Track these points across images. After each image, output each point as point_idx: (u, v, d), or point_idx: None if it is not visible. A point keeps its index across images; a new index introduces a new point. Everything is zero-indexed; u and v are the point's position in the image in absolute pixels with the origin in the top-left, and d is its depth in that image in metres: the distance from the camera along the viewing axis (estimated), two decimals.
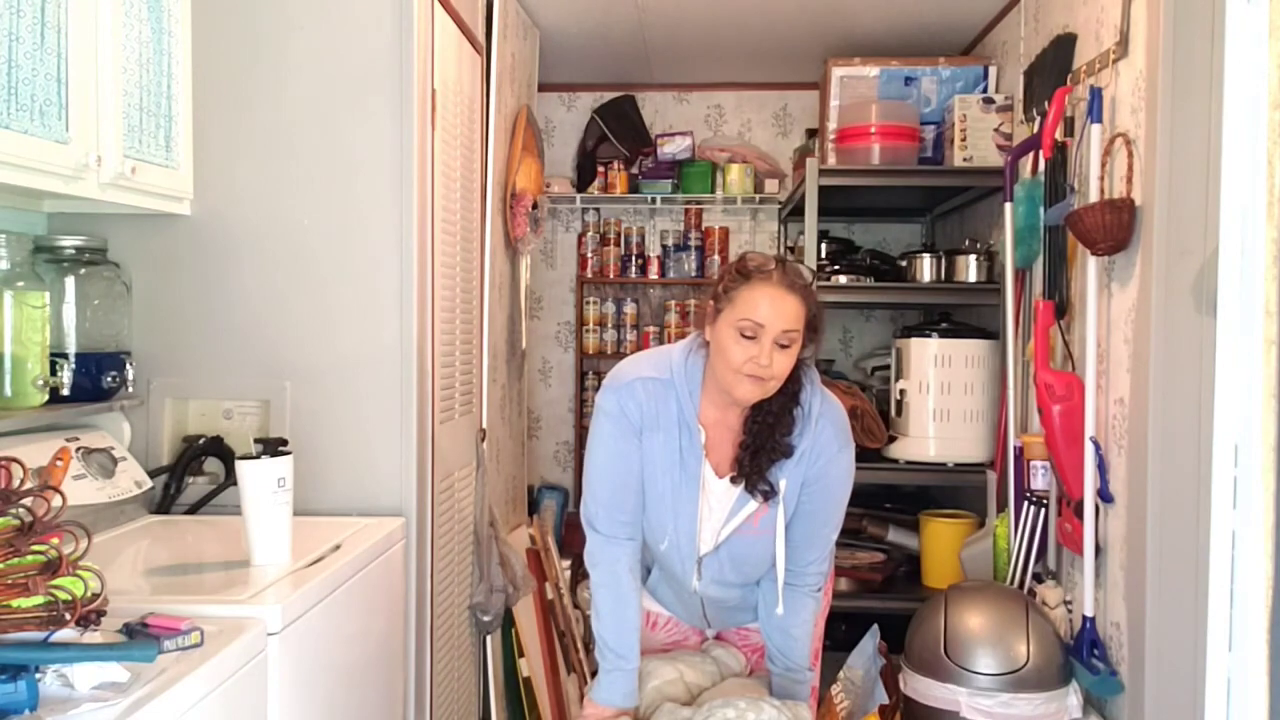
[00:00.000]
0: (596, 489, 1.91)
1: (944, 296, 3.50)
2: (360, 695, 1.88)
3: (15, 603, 1.17)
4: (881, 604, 3.31)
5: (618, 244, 4.55)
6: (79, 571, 1.23)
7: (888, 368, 3.69)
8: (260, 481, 1.68)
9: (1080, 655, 2.42)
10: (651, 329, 4.57)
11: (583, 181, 4.51)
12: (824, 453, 1.87)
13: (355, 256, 2.17)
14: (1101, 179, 2.41)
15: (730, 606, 2.04)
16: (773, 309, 1.73)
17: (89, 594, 1.23)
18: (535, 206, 3.30)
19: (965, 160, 3.33)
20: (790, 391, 1.85)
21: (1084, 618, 2.44)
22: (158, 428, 2.19)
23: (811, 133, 4.15)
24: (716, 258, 4.50)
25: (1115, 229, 2.25)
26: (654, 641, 2.11)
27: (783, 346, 1.75)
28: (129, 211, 2.00)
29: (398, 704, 2.13)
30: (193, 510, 2.15)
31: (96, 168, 1.73)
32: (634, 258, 4.55)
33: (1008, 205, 2.92)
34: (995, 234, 3.42)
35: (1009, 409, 2.99)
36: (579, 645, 3.29)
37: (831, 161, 3.49)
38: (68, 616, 1.18)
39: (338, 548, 1.83)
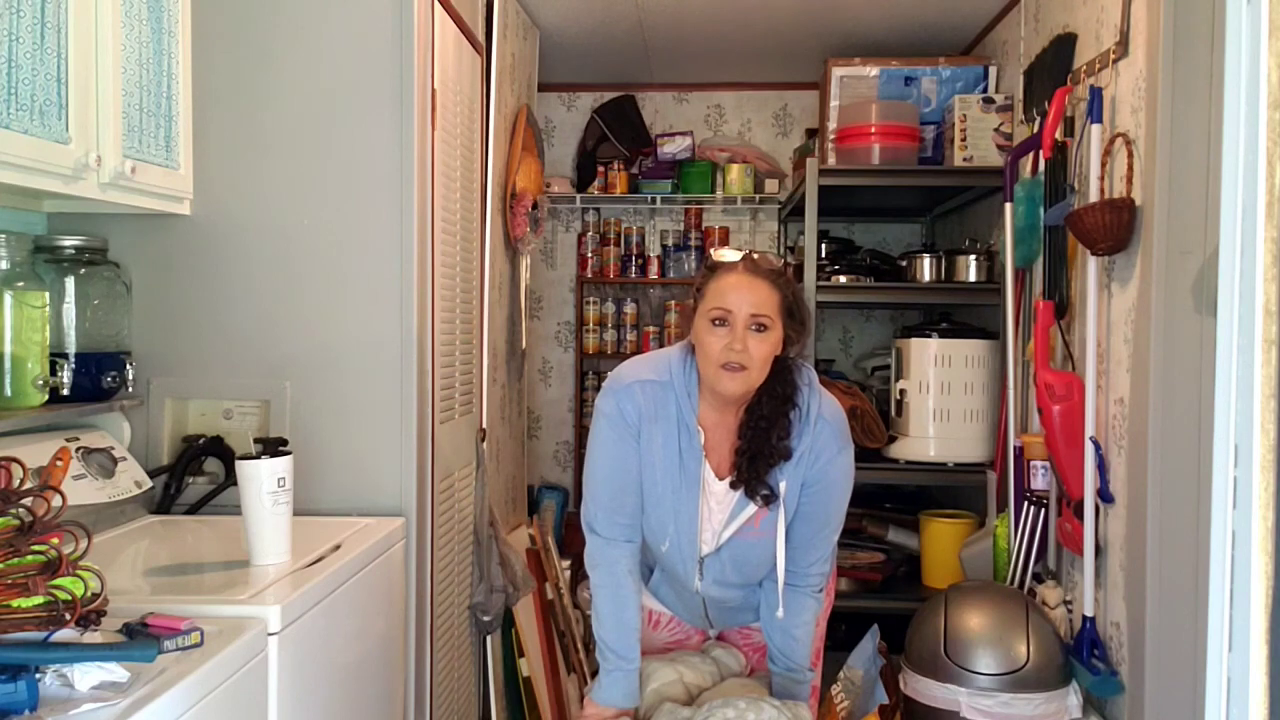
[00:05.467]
0: (596, 491, 1.92)
1: (944, 296, 3.50)
2: (360, 695, 1.88)
3: (15, 603, 1.17)
4: (881, 604, 3.31)
5: (618, 244, 4.56)
6: (79, 571, 1.23)
7: (888, 368, 3.69)
8: (260, 481, 1.68)
9: (1080, 655, 2.42)
10: (651, 329, 4.57)
11: (583, 181, 4.51)
12: (823, 454, 1.87)
13: (355, 256, 2.17)
14: (1101, 179, 2.41)
15: (732, 607, 2.04)
16: (738, 294, 1.77)
17: (89, 594, 1.23)
18: (535, 206, 3.30)
19: (965, 160, 3.33)
20: (783, 394, 1.85)
21: (1084, 618, 2.44)
22: (158, 428, 2.19)
23: (811, 133, 4.15)
24: None
25: (1115, 229, 2.25)
26: (656, 641, 2.11)
27: (757, 331, 1.77)
28: (129, 211, 2.00)
29: (398, 704, 2.13)
30: (193, 510, 2.15)
31: (96, 168, 1.73)
32: (634, 258, 4.55)
33: (1008, 205, 2.92)
34: (995, 234, 3.42)
35: (1009, 409, 2.99)
36: (579, 645, 3.29)
37: (831, 161, 3.49)
38: (68, 616, 1.18)
39: (338, 548, 1.83)
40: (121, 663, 1.19)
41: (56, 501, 1.26)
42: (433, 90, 2.31)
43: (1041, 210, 2.73)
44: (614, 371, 1.95)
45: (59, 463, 1.44)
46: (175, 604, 1.46)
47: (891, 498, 4.00)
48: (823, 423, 1.87)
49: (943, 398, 3.29)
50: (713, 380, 1.80)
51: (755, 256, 1.83)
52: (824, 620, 2.09)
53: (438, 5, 2.37)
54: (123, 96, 1.82)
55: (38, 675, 1.14)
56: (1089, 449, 2.39)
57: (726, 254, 1.84)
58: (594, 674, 1.96)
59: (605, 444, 1.89)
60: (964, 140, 3.33)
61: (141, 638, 1.26)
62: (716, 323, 1.78)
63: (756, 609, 2.04)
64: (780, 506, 1.87)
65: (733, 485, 1.88)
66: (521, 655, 2.95)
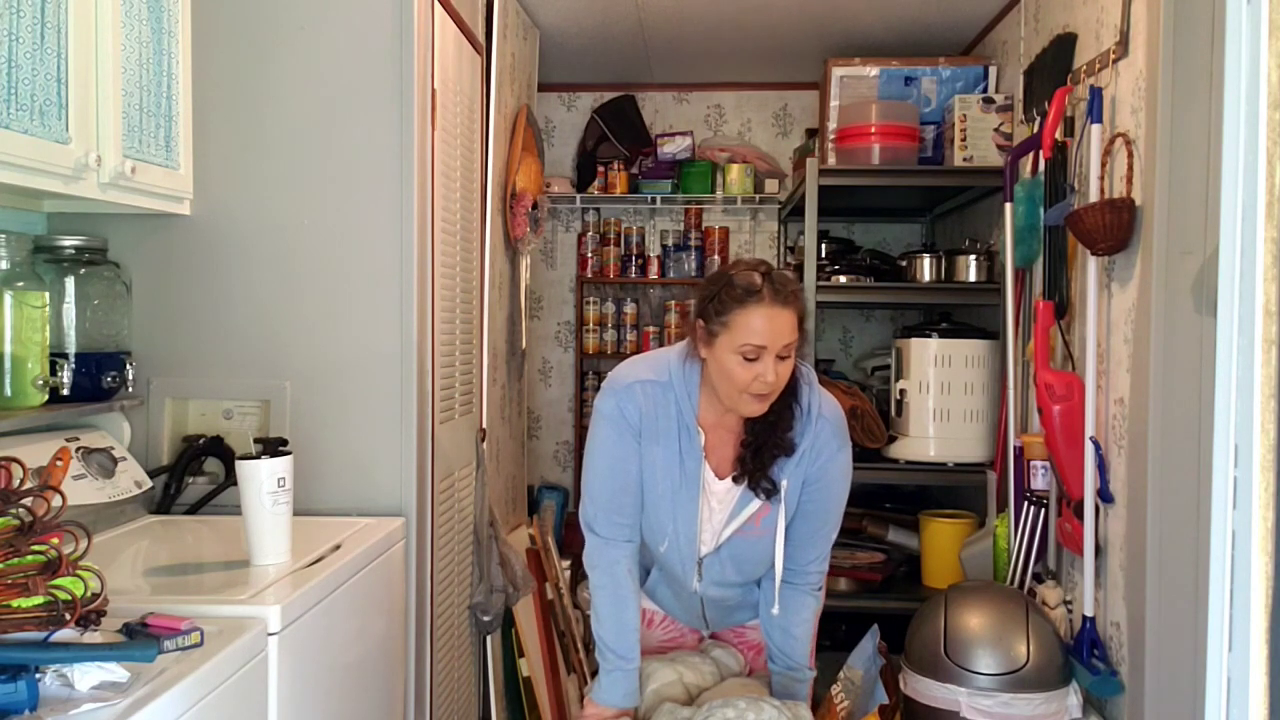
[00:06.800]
0: (595, 492, 1.92)
1: (944, 296, 3.50)
2: (360, 695, 1.88)
3: (15, 603, 1.17)
4: (881, 604, 3.31)
5: (618, 244, 4.55)
6: (79, 571, 1.23)
7: (888, 368, 3.69)
8: (260, 481, 1.68)
9: (1080, 655, 2.42)
10: (651, 329, 4.57)
11: (583, 181, 4.51)
12: (824, 451, 1.88)
13: (355, 256, 2.17)
14: (1101, 179, 2.41)
15: (730, 606, 2.04)
16: (771, 328, 1.74)
17: (89, 594, 1.23)
18: (535, 206, 3.30)
19: (965, 160, 3.33)
20: (787, 389, 1.85)
21: (1084, 618, 2.44)
22: (158, 428, 2.19)
23: (811, 133, 4.15)
24: (716, 258, 4.51)
25: (1115, 229, 2.25)
26: (651, 640, 2.11)
27: (783, 358, 1.77)
28: (129, 211, 2.00)
29: (398, 704, 2.13)
30: (193, 510, 2.15)
31: (96, 168, 1.73)
32: (634, 258, 4.55)
33: (1008, 205, 2.92)
34: (995, 234, 3.42)
35: (1009, 409, 2.99)
36: (579, 645, 3.29)
37: (831, 161, 3.48)
38: (68, 616, 1.18)
39: (338, 548, 1.83)
40: (121, 663, 1.19)
41: (56, 501, 1.26)
42: (433, 90, 2.31)
43: (1041, 210, 2.73)
44: (613, 372, 1.95)
45: (59, 463, 1.44)
46: (175, 604, 1.46)
47: (891, 498, 4.00)
48: (824, 420, 1.88)
49: (943, 398, 3.29)
50: (736, 404, 1.80)
51: (775, 279, 1.77)
52: (817, 618, 2.10)
53: (438, 5, 2.37)
54: (123, 96, 1.82)
55: (38, 675, 1.14)
56: (1089, 449, 2.39)
57: (751, 279, 1.76)
58: (594, 674, 1.96)
59: (605, 444, 1.89)
60: (964, 140, 3.33)
61: (141, 638, 1.26)
62: (749, 358, 1.74)
63: (753, 607, 2.04)
64: (781, 505, 1.88)
65: (735, 479, 1.88)
66: (521, 655, 2.95)
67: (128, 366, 2.08)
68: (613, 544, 1.91)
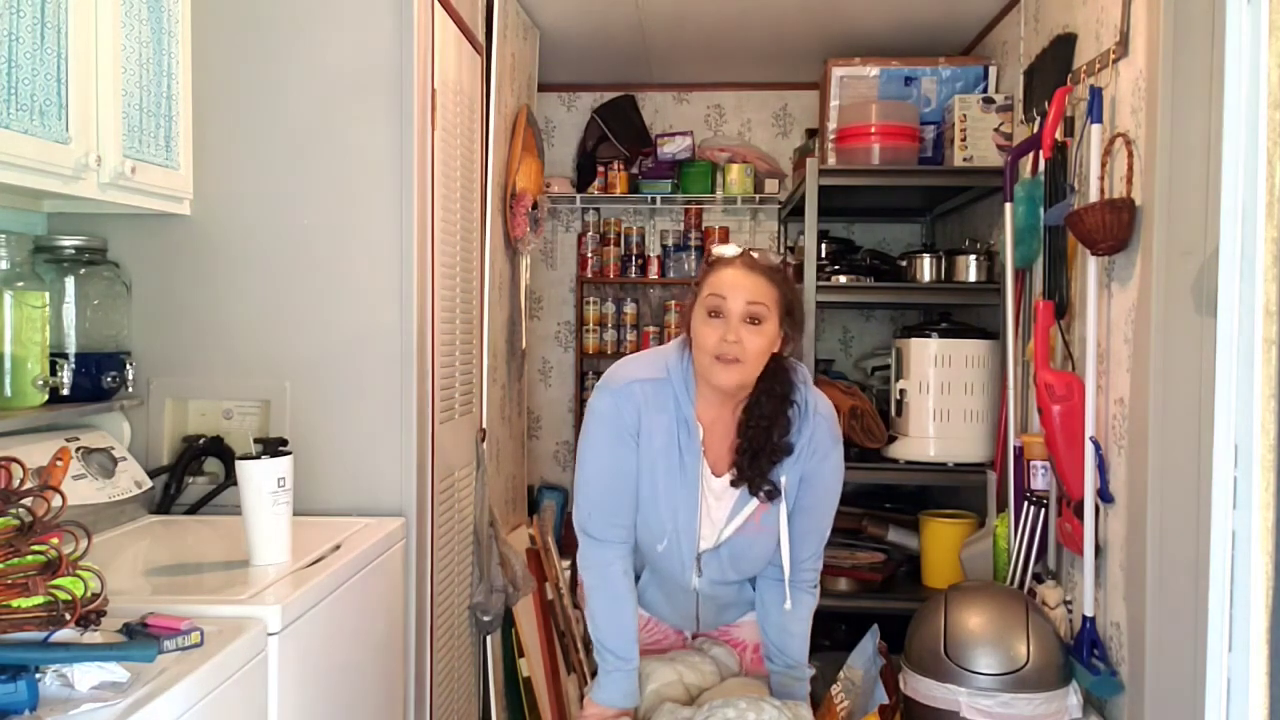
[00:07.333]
0: (590, 493, 1.91)
1: (944, 296, 3.50)
2: (360, 695, 1.88)
3: (15, 603, 1.17)
4: (881, 604, 3.31)
5: (618, 244, 4.55)
6: (79, 571, 1.23)
7: (888, 368, 3.68)
8: (260, 481, 1.68)
9: (1080, 655, 2.42)
10: (651, 329, 4.57)
11: (583, 181, 4.51)
12: (819, 448, 1.89)
13: (355, 256, 2.18)
14: (1101, 179, 2.41)
15: (724, 604, 2.05)
16: (734, 285, 1.79)
17: (89, 594, 1.23)
18: (535, 206, 3.30)
19: (965, 160, 3.33)
20: (781, 393, 1.86)
21: (1084, 618, 2.44)
22: (158, 428, 2.19)
23: (811, 133, 4.15)
24: None
25: (1115, 229, 2.25)
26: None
27: (752, 324, 1.77)
28: (129, 211, 2.00)
29: (398, 704, 2.13)
30: (193, 510, 2.15)
31: (96, 168, 1.73)
32: (634, 258, 4.55)
33: (1008, 205, 2.92)
34: (995, 234, 3.42)
35: (1009, 409, 2.99)
36: (579, 645, 3.29)
37: (831, 161, 3.48)
38: (68, 616, 1.18)
39: (338, 548, 1.83)
40: (121, 663, 1.19)
41: (56, 501, 1.26)
42: (433, 90, 2.31)
43: (1041, 210, 2.73)
44: (609, 371, 1.94)
45: (59, 463, 1.44)
46: (175, 604, 1.46)
47: (891, 498, 4.00)
48: (820, 417, 1.90)
49: (943, 398, 3.29)
50: (706, 371, 1.81)
51: (754, 254, 1.84)
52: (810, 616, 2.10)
53: (438, 5, 2.37)
54: (123, 96, 1.82)
55: (38, 675, 1.14)
56: (1089, 449, 2.39)
57: (726, 249, 1.86)
58: (594, 674, 1.96)
59: (600, 445, 1.89)
60: (964, 140, 3.33)
61: (141, 638, 1.26)
62: (712, 314, 1.79)
63: (744, 604, 2.05)
64: (782, 502, 1.88)
65: (734, 483, 1.88)
66: (521, 655, 2.95)
67: (128, 366, 2.08)
68: (607, 545, 1.91)
